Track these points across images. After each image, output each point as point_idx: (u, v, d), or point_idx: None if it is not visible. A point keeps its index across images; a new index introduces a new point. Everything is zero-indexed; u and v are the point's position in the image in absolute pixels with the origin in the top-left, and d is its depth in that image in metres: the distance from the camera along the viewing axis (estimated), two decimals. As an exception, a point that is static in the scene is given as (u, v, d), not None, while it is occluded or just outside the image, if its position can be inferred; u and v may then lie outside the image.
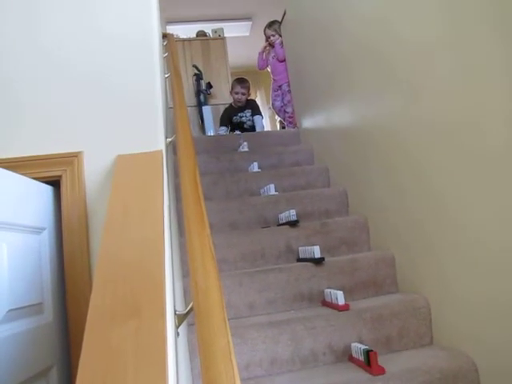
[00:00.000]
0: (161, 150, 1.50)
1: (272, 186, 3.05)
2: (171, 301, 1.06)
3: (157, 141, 1.55)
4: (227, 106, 5.24)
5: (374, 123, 2.56)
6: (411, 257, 2.28)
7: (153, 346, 0.78)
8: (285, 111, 4.75)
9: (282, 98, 4.78)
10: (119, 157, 1.49)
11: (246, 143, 3.85)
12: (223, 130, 5.00)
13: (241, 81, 5.01)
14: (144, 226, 1.10)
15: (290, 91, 4.59)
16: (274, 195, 3.00)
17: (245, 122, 4.97)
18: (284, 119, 4.91)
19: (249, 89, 5.09)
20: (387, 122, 2.40)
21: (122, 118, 1.56)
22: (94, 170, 1.51)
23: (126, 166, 1.43)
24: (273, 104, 5.05)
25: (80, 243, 1.42)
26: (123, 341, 0.79)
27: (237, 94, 5.00)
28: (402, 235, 2.35)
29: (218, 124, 5.19)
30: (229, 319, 2.28)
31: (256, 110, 5.09)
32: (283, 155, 3.60)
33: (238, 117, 5.00)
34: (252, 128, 5.00)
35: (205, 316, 0.96)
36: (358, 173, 2.86)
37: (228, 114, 5.09)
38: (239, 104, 5.00)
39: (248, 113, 5.01)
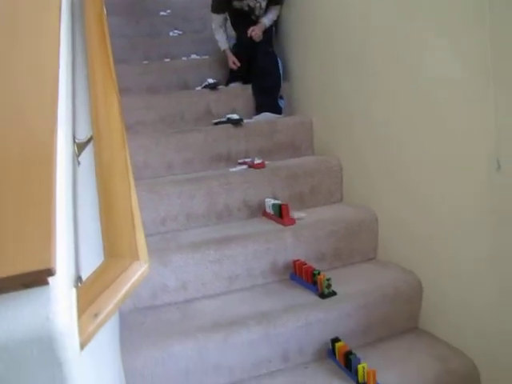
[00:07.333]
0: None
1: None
2: (68, 124, 1.00)
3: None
4: None
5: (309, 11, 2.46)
6: (328, 122, 2.32)
7: (39, 158, 0.74)
8: None
9: None
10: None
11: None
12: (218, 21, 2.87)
13: None
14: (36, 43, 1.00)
15: None
16: (195, 59, 2.88)
17: (253, 8, 2.75)
18: None
19: None
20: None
21: None
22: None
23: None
24: None
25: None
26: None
27: None
28: (320, 102, 2.37)
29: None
30: (146, 179, 2.25)
31: None
32: (207, 19, 3.38)
33: None
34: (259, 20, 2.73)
35: (105, 139, 0.93)
36: (283, 42, 2.79)
37: None
38: None
39: None
